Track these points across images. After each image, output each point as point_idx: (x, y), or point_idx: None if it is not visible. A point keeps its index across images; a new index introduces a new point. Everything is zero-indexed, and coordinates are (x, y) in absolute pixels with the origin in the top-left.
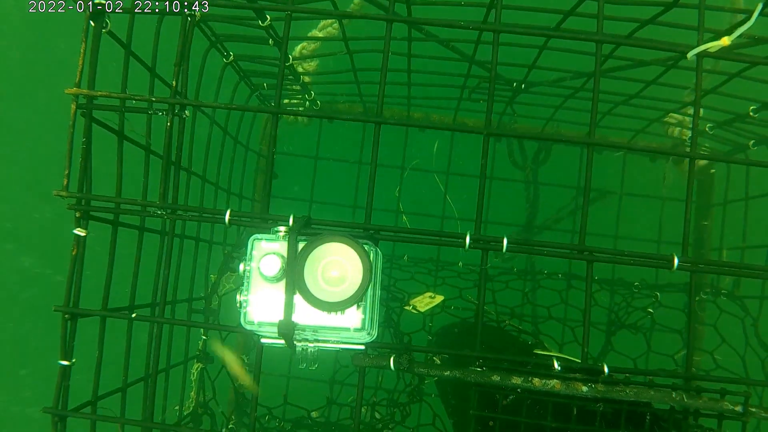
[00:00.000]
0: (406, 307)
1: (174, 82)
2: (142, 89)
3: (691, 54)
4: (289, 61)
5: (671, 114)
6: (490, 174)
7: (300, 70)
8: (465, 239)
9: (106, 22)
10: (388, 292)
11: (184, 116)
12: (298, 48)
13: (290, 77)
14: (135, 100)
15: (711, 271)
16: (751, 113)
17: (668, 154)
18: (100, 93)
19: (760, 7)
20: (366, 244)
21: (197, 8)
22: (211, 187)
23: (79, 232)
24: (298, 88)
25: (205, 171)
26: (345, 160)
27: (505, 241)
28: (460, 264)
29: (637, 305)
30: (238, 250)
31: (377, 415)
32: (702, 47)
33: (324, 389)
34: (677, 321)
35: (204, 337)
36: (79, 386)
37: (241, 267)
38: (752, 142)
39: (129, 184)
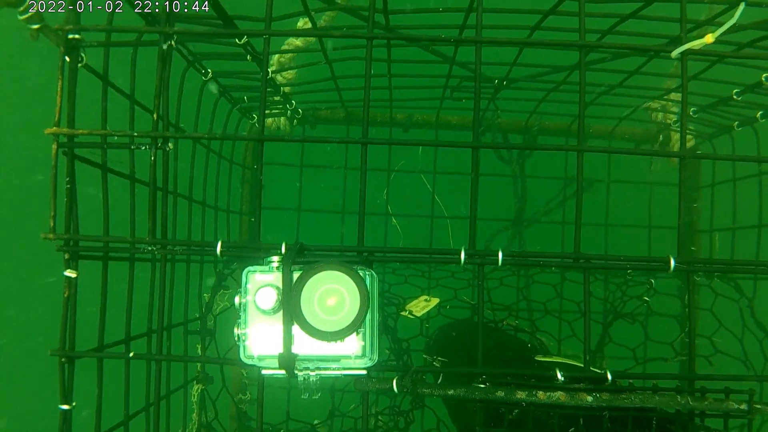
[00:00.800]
0: (402, 313)
1: (155, 115)
2: (126, 116)
3: (675, 53)
4: (268, 75)
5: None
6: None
7: (279, 79)
8: (460, 255)
9: (82, 56)
10: (383, 298)
11: (167, 149)
12: (276, 57)
13: (270, 89)
14: (117, 136)
15: (707, 270)
16: (734, 96)
17: (661, 155)
18: (80, 131)
19: (742, 6)
20: (361, 269)
21: (173, 42)
22: (198, 205)
23: (70, 273)
24: (279, 98)
25: (191, 191)
26: (330, 167)
27: (500, 254)
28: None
29: (632, 293)
30: (229, 267)
31: (380, 423)
32: (686, 46)
33: (325, 397)
34: (673, 306)
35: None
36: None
37: (237, 300)
38: (736, 123)
39: (120, 212)
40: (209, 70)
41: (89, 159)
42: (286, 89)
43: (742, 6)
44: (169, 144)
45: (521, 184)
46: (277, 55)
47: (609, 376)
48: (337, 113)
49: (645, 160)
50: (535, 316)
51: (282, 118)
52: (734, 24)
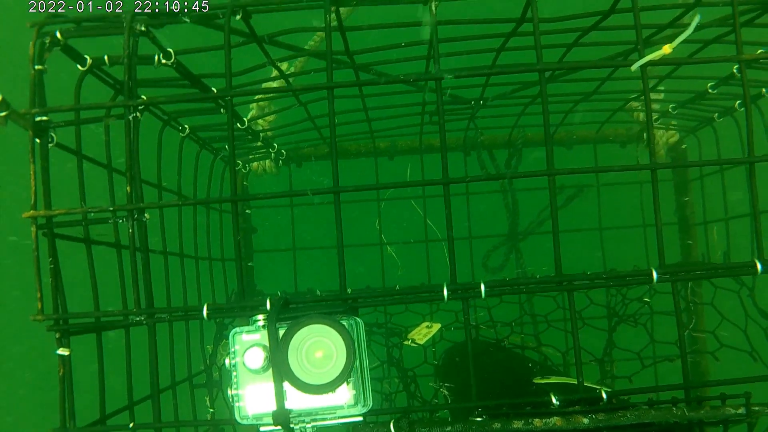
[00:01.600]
0: (406, 342)
1: (128, 188)
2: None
3: (634, 67)
4: (245, 124)
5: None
6: (466, 190)
7: (261, 123)
8: (443, 292)
9: (52, 137)
10: (385, 329)
11: (144, 219)
12: (253, 105)
13: (249, 137)
14: (94, 212)
15: (691, 278)
16: (709, 89)
17: (630, 170)
18: (58, 211)
19: (697, 18)
20: (344, 318)
21: (140, 112)
22: (192, 259)
23: (63, 351)
24: (260, 143)
25: (182, 247)
26: (320, 203)
27: (482, 286)
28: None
29: (633, 296)
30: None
31: None
32: (644, 60)
33: None
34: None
35: (211, 409)
36: None
37: (227, 361)
38: (716, 114)
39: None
40: (186, 126)
41: (70, 235)
42: (268, 133)
43: (697, 18)
44: (146, 215)
45: (511, 197)
46: (253, 105)
47: (604, 395)
48: (321, 149)
49: (631, 160)
50: (540, 328)
51: (267, 161)
52: (691, 33)
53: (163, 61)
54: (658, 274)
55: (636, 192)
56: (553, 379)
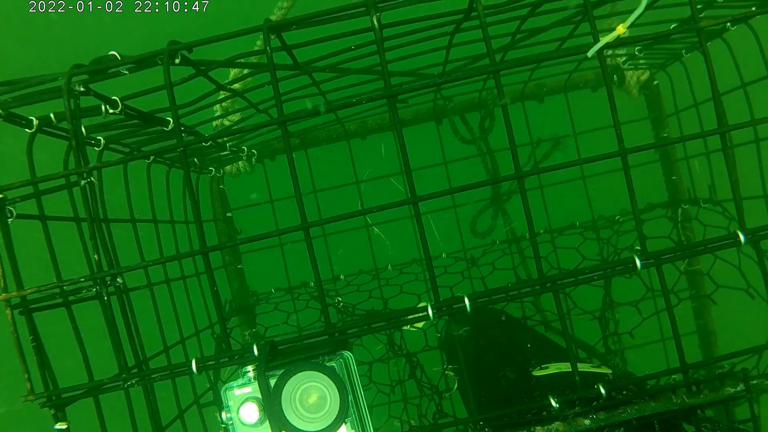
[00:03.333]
0: (405, 327)
1: (95, 256)
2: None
3: (591, 52)
4: (208, 142)
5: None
6: (443, 160)
7: (225, 121)
8: (427, 311)
9: (11, 210)
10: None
11: (118, 283)
12: (216, 107)
13: (212, 149)
14: (65, 287)
15: (675, 258)
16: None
17: (599, 159)
18: (30, 290)
19: (644, 3)
20: (333, 358)
21: (94, 178)
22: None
23: (61, 426)
24: (227, 151)
25: (170, 289)
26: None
27: (466, 300)
28: (444, 256)
29: (623, 245)
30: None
31: None
32: (599, 44)
33: None
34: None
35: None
36: None
37: (223, 415)
38: (684, 49)
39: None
40: (150, 155)
41: (48, 304)
42: (234, 141)
43: (644, 2)
44: (119, 279)
45: (490, 159)
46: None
47: (603, 391)
48: (292, 141)
49: (604, 105)
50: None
51: (240, 162)
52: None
53: (111, 111)
54: (641, 261)
55: (613, 136)
56: (554, 368)
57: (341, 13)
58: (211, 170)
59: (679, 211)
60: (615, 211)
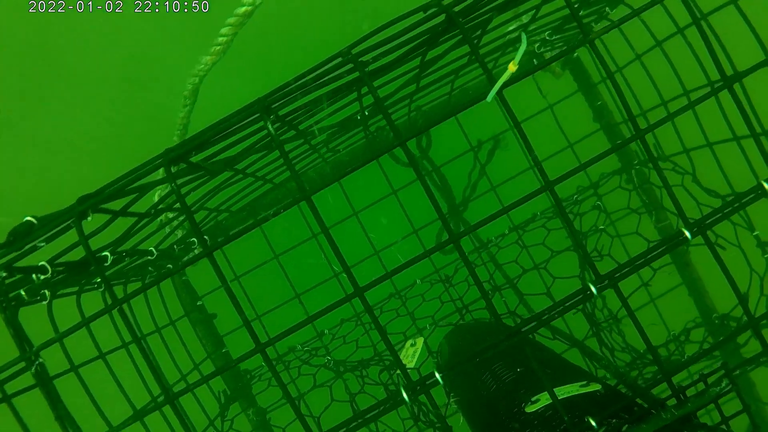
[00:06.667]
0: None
1: None
2: None
3: (489, 98)
4: (152, 254)
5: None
6: (390, 191)
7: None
8: (403, 396)
9: None
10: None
11: None
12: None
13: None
14: None
15: (630, 273)
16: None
17: (523, 200)
18: None
19: (524, 38)
20: None
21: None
22: None
23: None
24: (178, 251)
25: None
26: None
27: (437, 374)
28: (418, 282)
29: (587, 226)
30: None
31: None
32: (495, 87)
33: None
34: (632, 201)
35: None
36: None
37: None
38: (592, 20)
39: None
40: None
41: None
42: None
43: (524, 37)
44: None
45: (437, 175)
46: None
47: (593, 423)
48: (244, 218)
49: (533, 89)
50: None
51: (195, 250)
52: (526, 49)
53: (42, 276)
54: (595, 287)
55: (551, 119)
56: (544, 400)
57: (237, 125)
58: (169, 267)
59: (633, 172)
60: (572, 190)
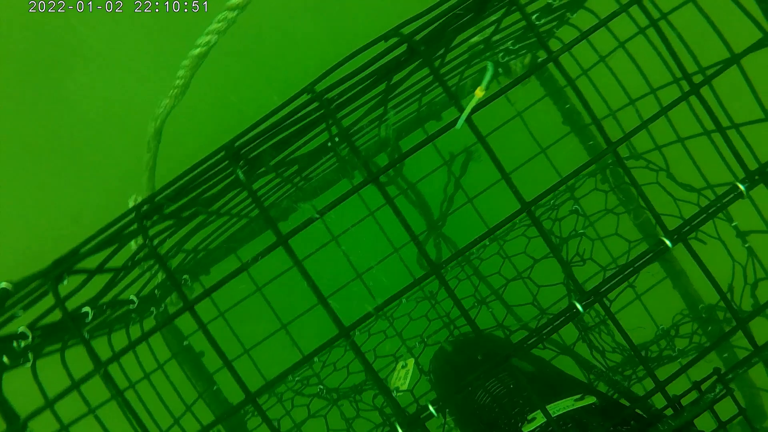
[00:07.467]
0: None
1: None
2: None
3: (459, 125)
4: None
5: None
6: (368, 211)
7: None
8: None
9: None
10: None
11: None
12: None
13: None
14: None
15: (615, 287)
16: (536, 22)
17: (506, 221)
18: None
19: (490, 70)
20: None
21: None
22: None
23: None
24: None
25: None
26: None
27: (430, 407)
28: (404, 300)
29: (566, 232)
30: None
31: None
32: (464, 115)
33: None
34: (609, 201)
35: None
36: None
37: None
38: (554, 27)
39: None
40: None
41: None
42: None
43: (490, 70)
44: None
45: (413, 193)
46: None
47: None
48: (219, 251)
49: (501, 101)
50: (501, 291)
51: (169, 298)
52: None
53: (24, 342)
54: (581, 305)
55: (521, 126)
56: (539, 419)
57: (206, 175)
58: (152, 311)
59: (608, 172)
60: (546, 186)
